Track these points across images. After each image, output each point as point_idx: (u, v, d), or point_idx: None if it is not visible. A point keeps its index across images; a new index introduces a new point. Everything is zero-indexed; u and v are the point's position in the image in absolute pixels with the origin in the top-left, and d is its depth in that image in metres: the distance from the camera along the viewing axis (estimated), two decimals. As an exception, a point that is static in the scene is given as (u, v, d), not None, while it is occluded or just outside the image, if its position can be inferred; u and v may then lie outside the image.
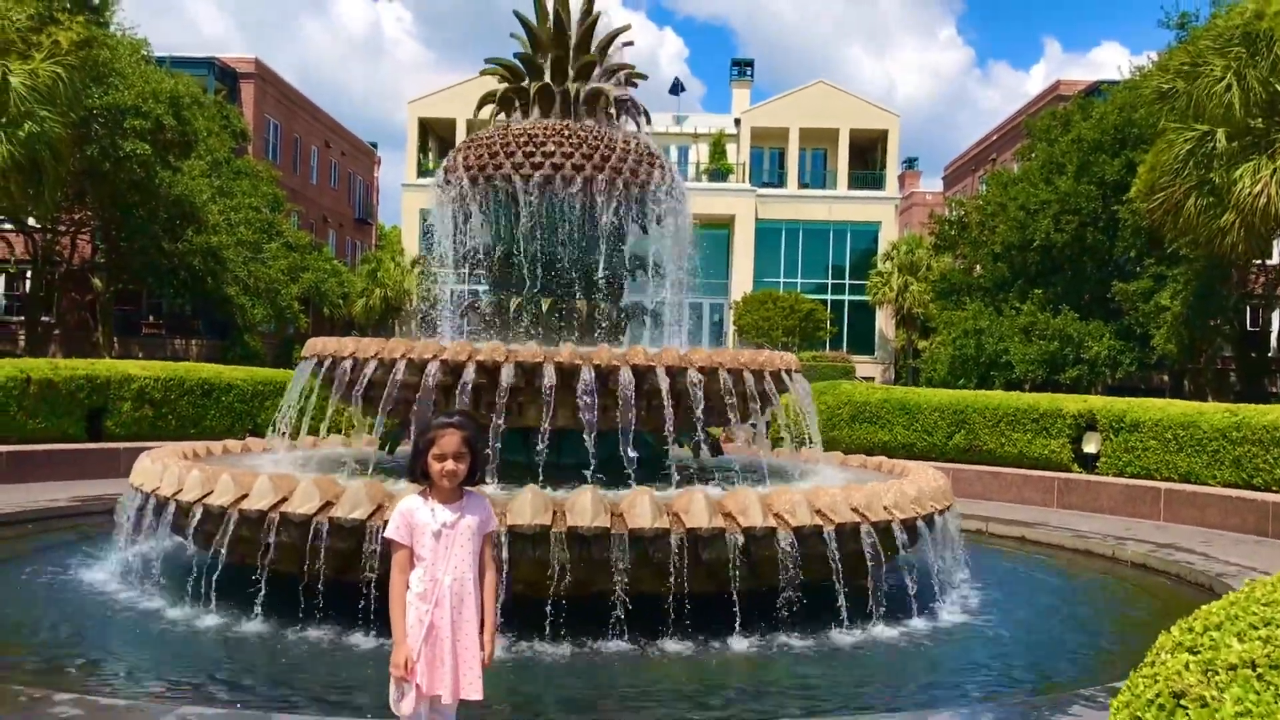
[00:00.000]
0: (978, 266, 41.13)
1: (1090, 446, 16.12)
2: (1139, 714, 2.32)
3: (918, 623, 8.17)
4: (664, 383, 8.71)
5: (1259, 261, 31.43)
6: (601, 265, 10.68)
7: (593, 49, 11.09)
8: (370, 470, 9.28)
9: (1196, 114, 22.44)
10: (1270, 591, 2.61)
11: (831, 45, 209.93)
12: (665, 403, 8.69)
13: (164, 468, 8.60)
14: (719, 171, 56.43)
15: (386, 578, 4.36)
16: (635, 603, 7.13)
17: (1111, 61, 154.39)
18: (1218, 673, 2.27)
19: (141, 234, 34.74)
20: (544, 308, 10.61)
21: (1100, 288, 34.55)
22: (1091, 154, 34.04)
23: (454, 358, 8.70)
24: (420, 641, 4.18)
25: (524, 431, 9.02)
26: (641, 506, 7.16)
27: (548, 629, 7.02)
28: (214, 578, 7.60)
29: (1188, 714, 2.22)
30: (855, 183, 56.37)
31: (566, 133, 10.42)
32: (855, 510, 7.83)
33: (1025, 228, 35.25)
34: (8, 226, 36.90)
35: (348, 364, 9.28)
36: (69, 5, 28.50)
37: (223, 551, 7.63)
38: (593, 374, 8.61)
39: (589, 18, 11.08)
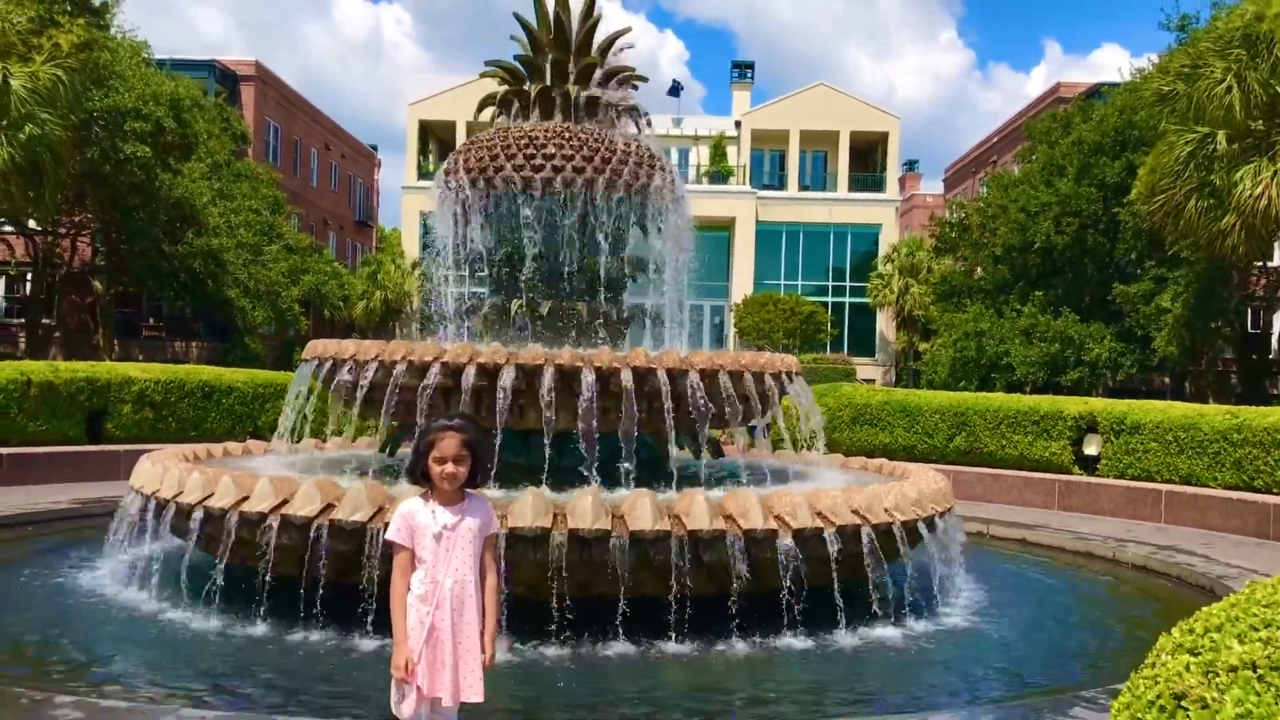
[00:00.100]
0: (978, 269, 41.14)
1: (1091, 449, 16.12)
2: (1139, 715, 2.32)
3: (919, 625, 8.17)
4: (665, 385, 8.71)
5: (1260, 264, 31.42)
6: (602, 267, 10.68)
7: (593, 51, 11.10)
8: (371, 473, 9.28)
9: (1197, 116, 22.45)
10: (1271, 593, 2.61)
11: (832, 47, 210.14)
12: (666, 405, 8.69)
13: (164, 470, 8.60)
14: (719, 174, 56.46)
15: (387, 580, 4.37)
16: (636, 605, 7.13)
17: (1112, 63, 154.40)
18: (1218, 674, 2.27)
19: (142, 236, 34.77)
20: (544, 310, 10.61)
21: (1101, 290, 34.56)
22: (1092, 156, 34.06)
23: (455, 360, 8.70)
24: (421, 643, 4.18)
25: (525, 434, 9.02)
26: (642, 509, 7.16)
27: (549, 631, 7.02)
28: (214, 580, 7.60)
29: (1188, 715, 2.22)
30: (856, 185, 56.41)
31: (567, 135, 10.42)
32: (856, 512, 7.83)
33: (1026, 230, 35.26)
34: (8, 229, 36.93)
35: (348, 366, 9.28)
36: (69, 8, 28.54)
37: (224, 554, 7.63)
38: (593, 376, 8.61)
39: (589, 20, 11.09)
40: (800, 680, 6.90)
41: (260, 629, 7.44)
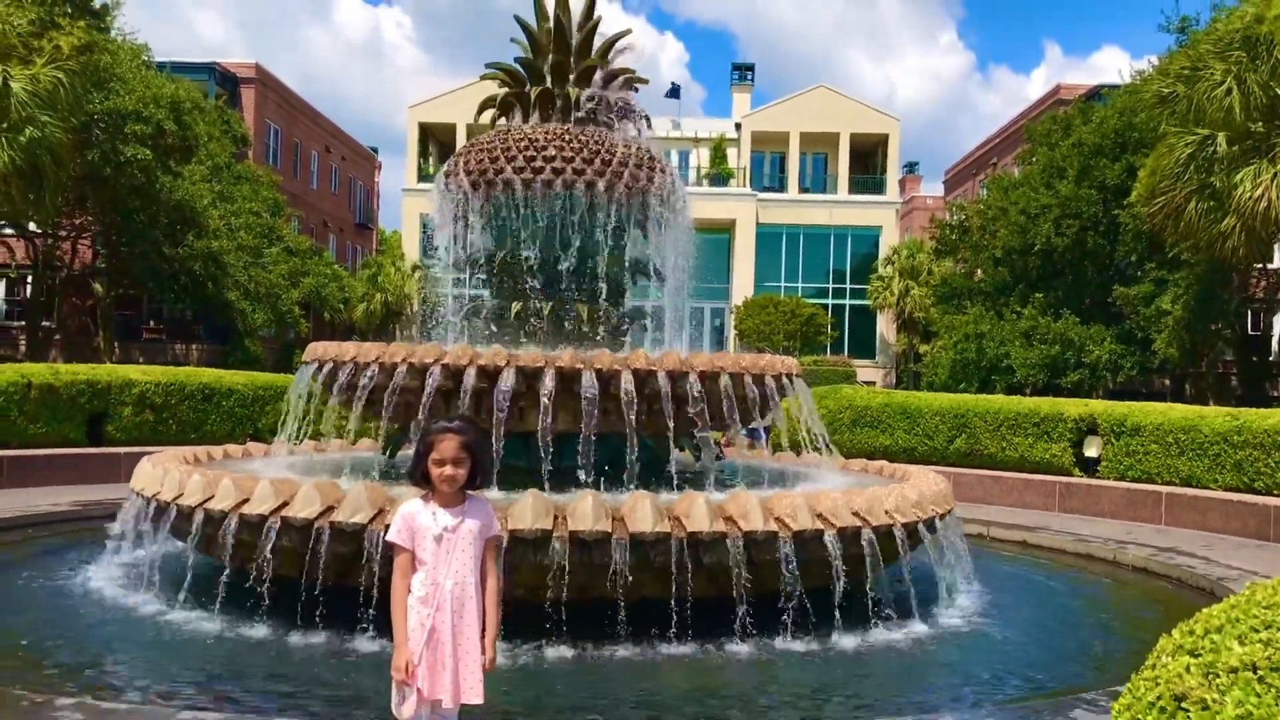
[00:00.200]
0: (978, 271, 41.15)
1: (1091, 450, 16.12)
2: (1140, 716, 2.32)
3: (919, 626, 8.16)
4: (665, 387, 8.71)
5: (1260, 265, 31.42)
6: (602, 270, 10.68)
7: (593, 53, 11.10)
8: (372, 475, 9.28)
9: (1197, 118, 22.46)
10: (1271, 595, 2.61)
11: (832, 49, 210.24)
12: (666, 407, 8.69)
13: (165, 472, 8.60)
14: (719, 176, 56.47)
15: (388, 582, 4.37)
16: (636, 607, 7.13)
17: (1112, 65, 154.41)
18: (1219, 675, 2.27)
19: (142, 239, 34.80)
20: (545, 312, 10.61)
21: (1101, 292, 34.57)
22: (1092, 158, 34.08)
23: (455, 362, 8.70)
24: (421, 645, 4.18)
25: (525, 436, 9.02)
26: (642, 510, 7.16)
27: (549, 633, 7.02)
28: (215, 582, 7.60)
29: (1189, 716, 2.22)
30: (856, 187, 56.42)
31: (567, 137, 10.43)
32: (856, 514, 7.83)
33: (1026, 232, 35.27)
34: (8, 231, 36.94)
35: (349, 368, 9.28)
36: (70, 10, 28.58)
37: (224, 556, 7.63)
38: (594, 378, 8.61)
39: (589, 22, 11.09)
40: (801, 682, 6.89)
41: (260, 631, 7.44)
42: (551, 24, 11.01)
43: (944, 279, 44.03)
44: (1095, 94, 43.75)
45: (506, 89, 11.30)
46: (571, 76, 11.01)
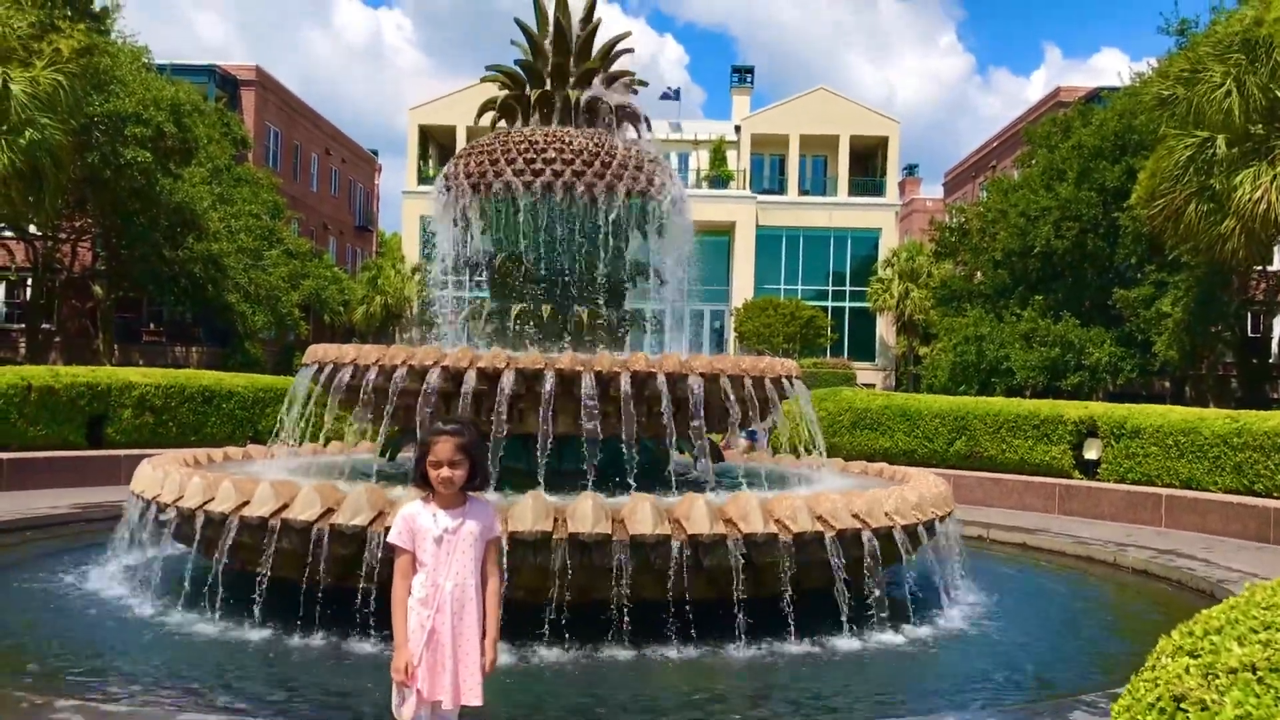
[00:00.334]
0: (978, 273, 41.18)
1: (1091, 453, 16.11)
2: (1139, 717, 2.32)
3: (919, 629, 8.17)
4: (665, 389, 8.71)
5: (1260, 268, 31.47)
6: (602, 272, 10.69)
7: (593, 56, 11.11)
8: (372, 477, 9.28)
9: (1197, 120, 22.48)
10: (1270, 596, 2.61)
11: (832, 52, 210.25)
12: (666, 409, 8.69)
13: (165, 475, 8.61)
14: (719, 178, 56.53)
15: (388, 584, 4.37)
16: (636, 609, 7.13)
17: (1112, 68, 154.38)
18: (1218, 676, 2.27)
19: (142, 241, 34.82)
20: (545, 314, 10.61)
21: (1101, 294, 34.59)
22: (1092, 160, 34.11)
23: (455, 364, 8.70)
24: (421, 646, 4.19)
25: (525, 438, 9.02)
26: (642, 513, 7.16)
27: (549, 635, 7.02)
28: (215, 584, 7.60)
29: (1188, 717, 2.22)
30: (856, 189, 56.47)
31: (567, 139, 10.43)
32: (856, 516, 7.83)
33: (1026, 234, 35.29)
34: (9, 234, 36.95)
35: (349, 371, 9.28)
36: (70, 13, 28.59)
37: (224, 558, 7.64)
38: (593, 380, 8.61)
39: (589, 25, 11.10)
40: (801, 684, 6.89)
41: (260, 633, 7.44)
42: (551, 27, 11.02)
43: (944, 281, 44.06)
44: (1095, 96, 43.78)
45: (507, 91, 11.30)
46: (571, 79, 11.02)
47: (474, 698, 4.26)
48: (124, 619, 7.97)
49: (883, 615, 8.00)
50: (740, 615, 7.26)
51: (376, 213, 74.40)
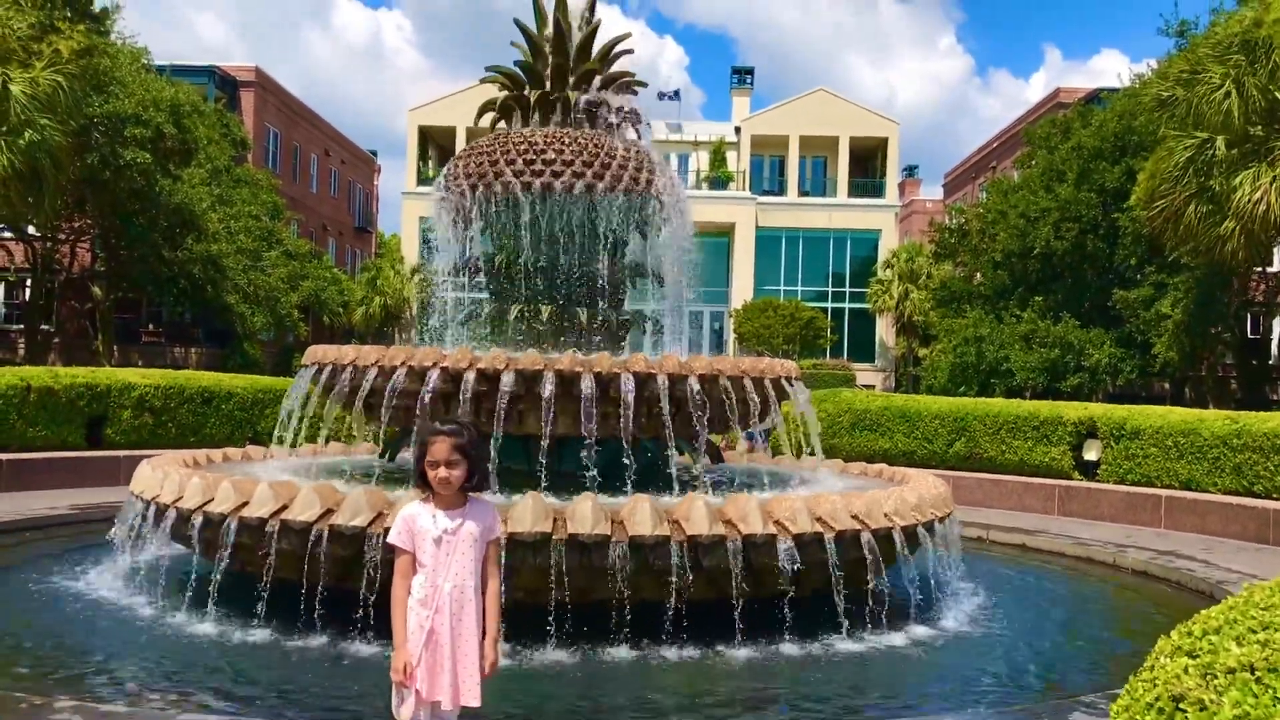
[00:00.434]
0: (978, 274, 41.19)
1: (1091, 454, 16.11)
2: (1137, 717, 2.32)
3: (918, 630, 8.16)
4: (664, 390, 8.71)
5: (1259, 269, 31.49)
6: (602, 273, 10.69)
7: (593, 57, 11.12)
8: (371, 478, 9.28)
9: (1196, 121, 22.48)
10: (1269, 596, 2.62)
11: (832, 53, 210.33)
12: (665, 410, 8.69)
13: (164, 475, 8.60)
14: (719, 179, 56.53)
15: (387, 585, 4.37)
16: (636, 610, 7.12)
17: (1111, 69, 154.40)
18: (1216, 676, 2.27)
19: (141, 242, 34.81)
20: (544, 315, 10.62)
21: (1101, 295, 34.59)
22: (1091, 161, 34.11)
23: (454, 365, 8.70)
24: (420, 647, 4.19)
25: (524, 439, 9.02)
26: (642, 514, 7.16)
27: (548, 636, 7.02)
28: (214, 585, 7.60)
29: (1186, 717, 2.22)
30: (855, 190, 56.49)
31: (567, 140, 10.44)
32: (856, 517, 7.83)
33: (1025, 235, 35.29)
34: (8, 235, 36.96)
35: (348, 371, 9.28)
36: (70, 14, 28.59)
37: (223, 559, 7.64)
38: (593, 381, 8.61)
39: (589, 26, 11.11)
40: (801, 685, 6.89)
41: (259, 634, 7.44)
42: (551, 28, 11.03)
43: (943, 282, 44.06)
44: (1094, 97, 43.78)
45: (506, 92, 11.31)
46: (571, 80, 11.02)
47: (473, 699, 4.26)
48: (123, 620, 7.96)
49: (883, 616, 8.01)
50: (740, 616, 7.26)
51: (376, 214, 74.45)
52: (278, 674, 6.71)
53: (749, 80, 61.49)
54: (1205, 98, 21.63)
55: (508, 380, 8.58)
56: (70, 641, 7.34)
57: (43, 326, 39.50)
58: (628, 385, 8.64)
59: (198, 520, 7.85)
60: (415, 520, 4.30)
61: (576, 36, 11.04)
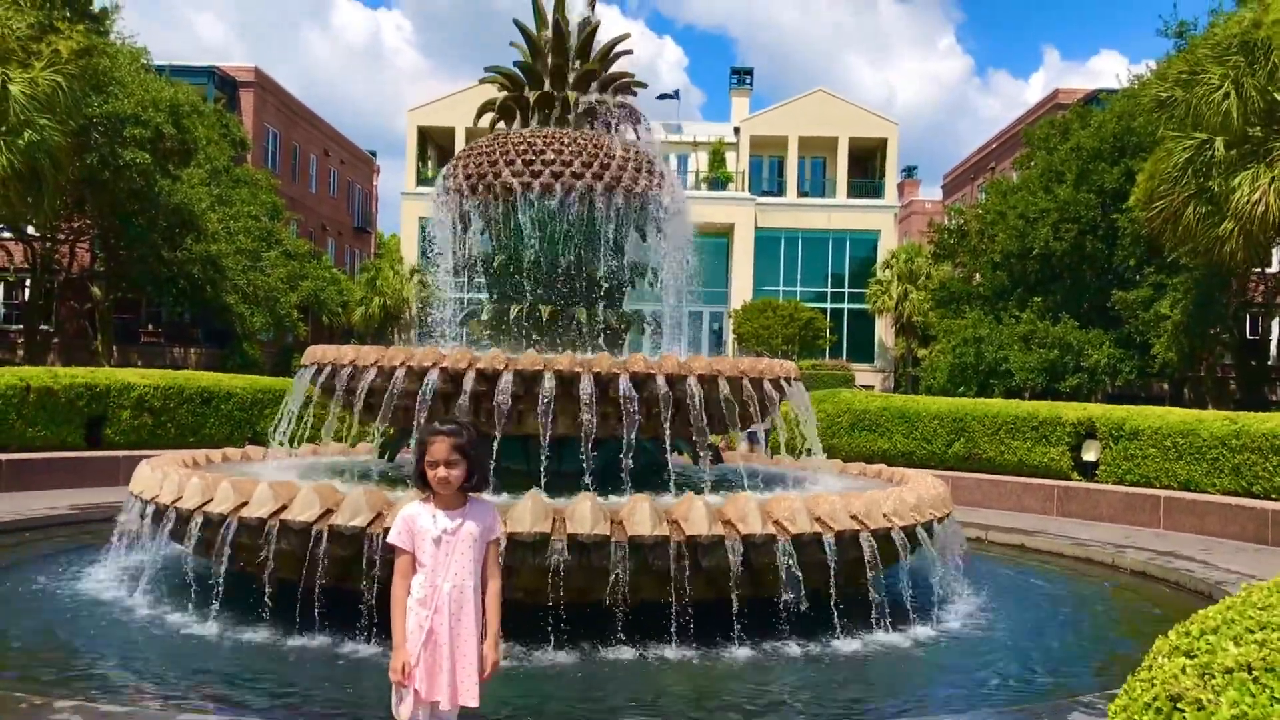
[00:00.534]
0: (977, 275, 41.20)
1: (1090, 454, 16.12)
2: (1136, 717, 2.33)
3: (917, 630, 8.17)
4: (663, 390, 8.72)
5: (1258, 270, 31.50)
6: (601, 273, 10.69)
7: (592, 57, 11.12)
8: (370, 478, 9.28)
9: (1195, 122, 22.49)
10: (1266, 596, 2.62)
11: (831, 53, 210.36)
12: (665, 410, 8.69)
13: (163, 475, 8.60)
14: (718, 180, 56.53)
15: (387, 585, 4.38)
16: (635, 610, 7.13)
17: (1110, 70, 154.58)
18: (1214, 676, 2.28)
19: (141, 242, 34.80)
20: (544, 316, 10.62)
21: (1100, 296, 34.60)
22: (1090, 162, 34.12)
23: (454, 366, 8.70)
24: (419, 647, 4.19)
25: (524, 439, 9.03)
26: (641, 514, 7.16)
27: (548, 637, 7.02)
28: (214, 585, 7.60)
29: (1184, 717, 2.23)
30: (854, 191, 56.48)
31: (566, 141, 10.44)
32: (854, 518, 7.83)
33: (1024, 236, 35.31)
34: (7, 235, 36.95)
35: (347, 372, 9.28)
36: (69, 14, 28.58)
37: (222, 559, 7.63)
38: (592, 382, 8.61)
39: (588, 26, 11.11)
40: (800, 685, 6.89)
41: (259, 634, 7.44)
42: (551, 28, 11.03)
43: (942, 283, 44.08)
44: (1093, 98, 43.79)
45: (505, 92, 11.31)
46: (570, 80, 11.03)
47: (471, 699, 4.27)
48: (122, 620, 7.96)
49: (881, 616, 8.01)
50: (739, 616, 7.26)
51: (375, 214, 74.46)
52: (277, 674, 6.71)
53: (748, 81, 61.49)
54: (1204, 99, 21.65)
55: (507, 380, 8.59)
56: (69, 642, 7.34)
57: (42, 327, 39.49)
58: (627, 386, 8.64)
59: (197, 520, 7.85)
60: (415, 520, 4.30)
61: (576, 37, 11.05)
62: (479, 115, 11.67)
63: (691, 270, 11.66)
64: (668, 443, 9.10)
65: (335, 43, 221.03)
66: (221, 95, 48.30)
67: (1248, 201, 21.48)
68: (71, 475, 14.93)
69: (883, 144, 56.46)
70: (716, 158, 57.74)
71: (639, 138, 11.43)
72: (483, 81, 11.62)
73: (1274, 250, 27.07)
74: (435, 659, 4.21)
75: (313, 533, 7.24)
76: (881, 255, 53.25)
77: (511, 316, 10.72)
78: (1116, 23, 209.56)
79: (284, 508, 7.43)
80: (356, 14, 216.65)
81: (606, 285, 10.79)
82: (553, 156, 10.30)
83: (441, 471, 4.24)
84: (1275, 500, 13.64)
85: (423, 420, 8.39)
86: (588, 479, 8.50)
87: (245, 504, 7.60)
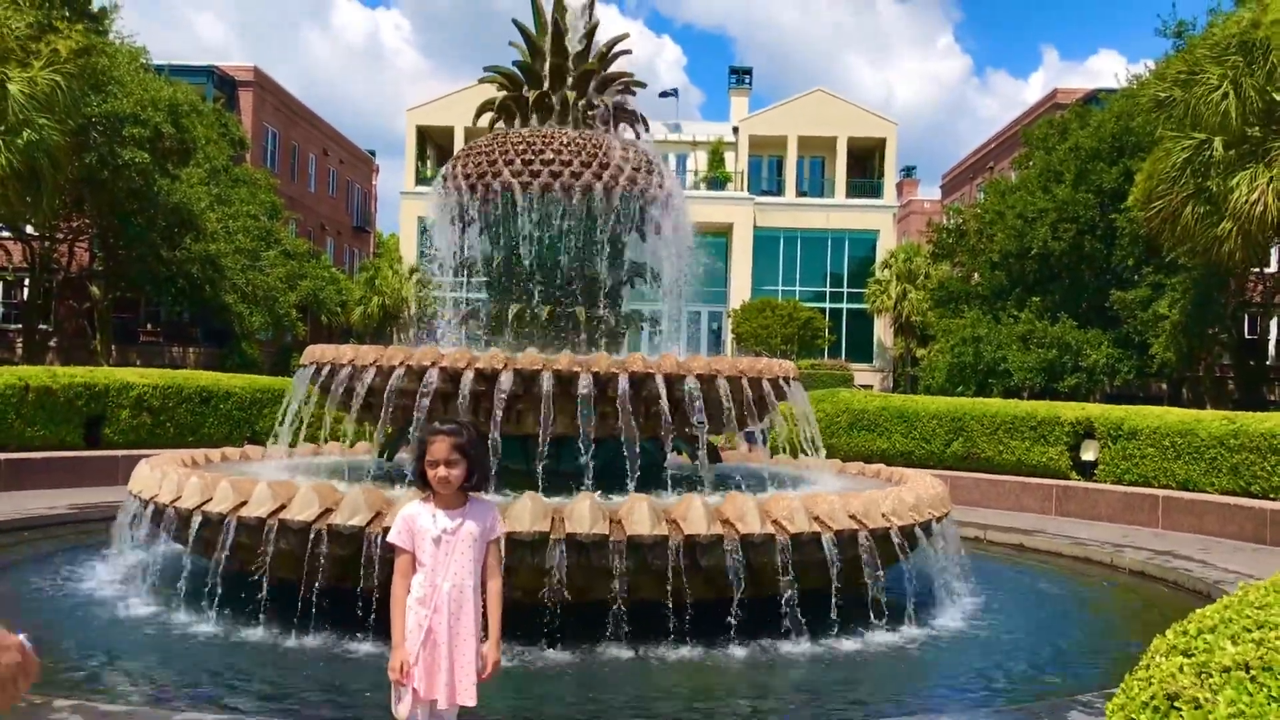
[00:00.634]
0: (976, 274, 41.20)
1: (1088, 454, 16.13)
2: (1133, 716, 2.33)
3: (916, 629, 8.18)
4: (662, 390, 8.72)
5: (1256, 269, 31.49)
6: (600, 273, 10.69)
7: (591, 57, 11.12)
8: (369, 478, 9.28)
9: (1194, 122, 22.50)
10: (1264, 595, 2.63)
11: (830, 53, 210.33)
12: (664, 410, 8.70)
13: (163, 475, 8.61)
14: (717, 179, 56.51)
15: (386, 584, 4.38)
16: (634, 610, 7.13)
17: (1109, 70, 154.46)
18: (1211, 675, 2.28)
19: (140, 242, 34.78)
20: (543, 315, 10.62)
21: (1098, 296, 34.60)
22: (1089, 162, 34.12)
23: (453, 365, 8.71)
24: (418, 646, 4.20)
25: (523, 439, 9.03)
26: (640, 513, 7.17)
27: (547, 636, 7.03)
28: (213, 585, 7.61)
29: (1182, 716, 2.23)
30: (853, 191, 56.48)
31: (565, 140, 10.44)
32: (853, 517, 7.84)
33: (1023, 236, 35.30)
34: (6, 234, 36.90)
35: (346, 371, 9.29)
36: (68, 13, 28.57)
37: (222, 558, 7.64)
38: (591, 381, 8.62)
39: (588, 26, 11.11)
40: (799, 685, 6.91)
41: (258, 633, 7.44)
42: (550, 28, 11.03)
43: (941, 283, 44.07)
44: (1092, 98, 43.79)
45: (505, 92, 11.31)
46: (569, 80, 11.03)
47: (469, 698, 4.27)
48: (121, 620, 7.97)
49: (880, 615, 8.01)
50: (738, 615, 7.27)
51: (374, 213, 74.41)
52: (276, 673, 6.71)
53: (747, 80, 61.46)
54: (1203, 98, 21.66)
55: (506, 380, 8.59)
56: (68, 641, 7.34)
57: (41, 326, 39.46)
58: (626, 385, 8.65)
59: (196, 520, 7.85)
60: (415, 520, 4.31)
61: (575, 37, 11.05)
62: (478, 115, 11.67)
63: (691, 270, 11.66)
64: (667, 442, 9.11)
65: (335, 43, 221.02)
66: (220, 95, 48.27)
67: (1246, 201, 21.50)
68: (70, 475, 14.93)
69: (882, 144, 56.46)
70: (715, 157, 57.72)
71: (638, 137, 11.43)
72: (482, 81, 11.62)
73: (1272, 250, 27.10)
74: (434, 658, 4.22)
75: (312, 532, 7.24)
76: (880, 255, 53.24)
77: (511, 316, 10.72)
78: (1115, 23, 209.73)
79: (283, 507, 7.43)
80: (356, 14, 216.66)
81: (605, 285, 10.79)
82: (552, 156, 10.30)
83: (441, 471, 4.25)
84: (1273, 500, 13.66)
85: (422, 420, 8.39)
86: (587, 479, 8.50)
87: (244, 503, 7.61)
